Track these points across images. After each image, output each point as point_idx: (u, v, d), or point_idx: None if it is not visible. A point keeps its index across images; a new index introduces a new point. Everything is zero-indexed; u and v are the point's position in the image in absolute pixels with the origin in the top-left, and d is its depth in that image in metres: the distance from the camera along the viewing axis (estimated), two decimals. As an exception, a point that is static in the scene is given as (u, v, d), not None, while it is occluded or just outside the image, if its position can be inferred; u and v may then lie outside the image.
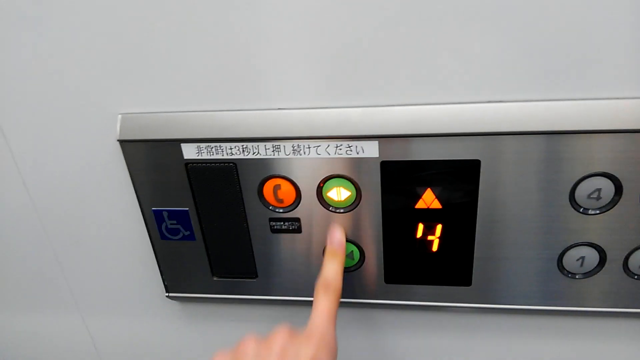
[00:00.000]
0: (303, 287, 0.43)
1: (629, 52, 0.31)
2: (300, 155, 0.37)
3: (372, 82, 0.35)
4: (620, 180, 0.34)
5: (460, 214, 0.37)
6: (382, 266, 0.41)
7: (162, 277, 0.45)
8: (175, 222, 0.41)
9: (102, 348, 0.55)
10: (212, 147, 0.38)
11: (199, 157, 0.38)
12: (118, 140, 0.38)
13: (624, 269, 0.37)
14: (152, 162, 0.39)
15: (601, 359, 0.44)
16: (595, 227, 0.36)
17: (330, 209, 0.39)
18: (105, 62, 0.37)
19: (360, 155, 0.36)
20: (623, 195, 0.34)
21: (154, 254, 0.44)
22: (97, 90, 0.38)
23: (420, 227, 0.39)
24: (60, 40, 0.37)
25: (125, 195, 0.42)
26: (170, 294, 0.46)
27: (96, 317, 0.53)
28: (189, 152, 0.38)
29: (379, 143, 0.36)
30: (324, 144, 0.36)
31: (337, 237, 0.39)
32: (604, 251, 0.37)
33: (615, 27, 0.31)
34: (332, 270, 0.37)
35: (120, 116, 0.38)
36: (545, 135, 0.33)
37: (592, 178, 0.34)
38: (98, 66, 0.37)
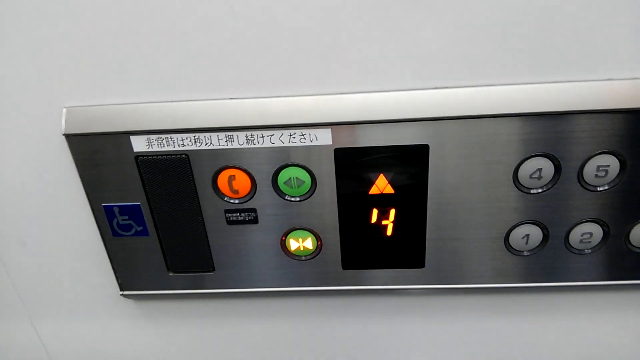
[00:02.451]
0: (262, 278, 0.43)
1: (563, 35, 0.33)
2: (254, 144, 0.37)
3: (324, 71, 0.35)
4: (559, 159, 0.36)
5: (412, 197, 0.38)
6: (339, 253, 0.41)
7: (115, 274, 0.44)
8: (127, 217, 0.40)
9: (55, 354, 0.53)
10: (163, 139, 0.37)
11: (150, 150, 0.37)
12: (64, 135, 0.37)
13: (565, 244, 0.40)
14: (100, 156, 0.38)
15: (549, 332, 0.46)
16: (538, 205, 0.38)
17: (287, 197, 0.39)
18: (49, 53, 0.35)
19: (314, 143, 0.37)
20: (562, 174, 0.36)
21: (106, 251, 0.43)
22: (41, 83, 0.37)
23: (375, 212, 0.39)
24: (-3, 31, 0.35)
25: (74, 192, 0.41)
26: (125, 292, 0.45)
27: (47, 321, 0.51)
28: (139, 144, 0.37)
29: (331, 130, 0.36)
30: (277, 132, 0.36)
31: None
32: (547, 228, 0.39)
33: (550, 13, 0.32)
34: None
35: (65, 109, 0.37)
36: (488, 118, 0.35)
37: (533, 159, 0.36)
38: (41, 58, 0.36)
